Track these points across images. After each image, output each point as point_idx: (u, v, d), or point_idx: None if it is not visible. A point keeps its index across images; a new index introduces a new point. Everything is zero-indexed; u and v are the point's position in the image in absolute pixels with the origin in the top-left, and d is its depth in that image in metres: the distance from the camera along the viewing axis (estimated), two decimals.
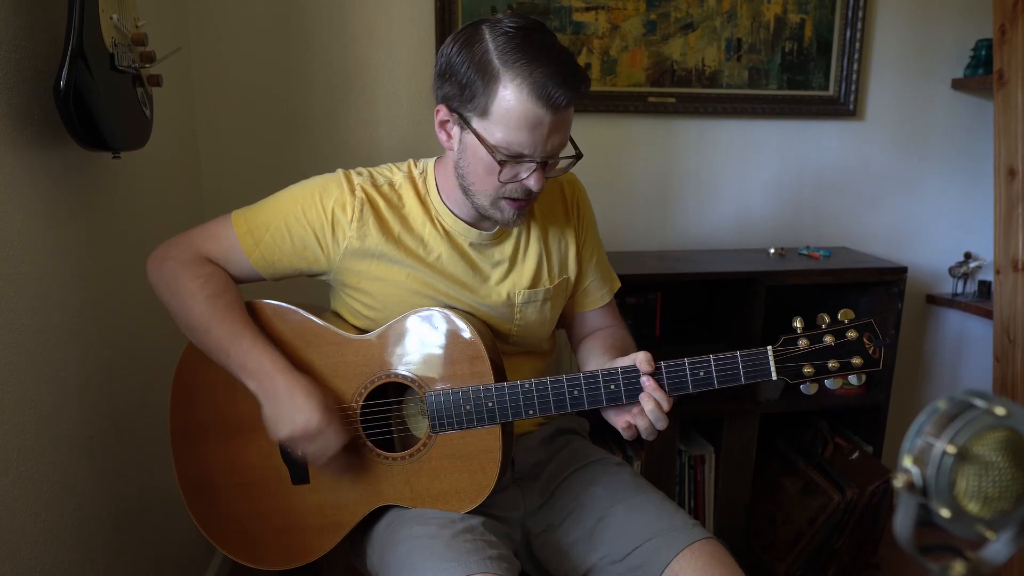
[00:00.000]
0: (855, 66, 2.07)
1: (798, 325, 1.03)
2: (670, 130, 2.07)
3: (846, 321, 1.02)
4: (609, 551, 1.10)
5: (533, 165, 1.01)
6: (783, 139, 2.12)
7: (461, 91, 0.99)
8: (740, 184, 2.13)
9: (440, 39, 1.88)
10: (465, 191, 1.08)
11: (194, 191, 1.85)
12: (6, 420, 1.01)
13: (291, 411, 1.04)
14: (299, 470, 1.13)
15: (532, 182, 1.02)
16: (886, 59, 2.11)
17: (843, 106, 2.10)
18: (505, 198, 1.05)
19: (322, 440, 1.05)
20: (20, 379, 1.04)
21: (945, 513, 0.52)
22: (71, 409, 1.18)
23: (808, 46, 2.06)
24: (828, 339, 1.02)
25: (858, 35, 2.04)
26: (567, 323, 1.31)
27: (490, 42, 0.97)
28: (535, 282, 1.17)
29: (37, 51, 1.08)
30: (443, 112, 1.04)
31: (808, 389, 1.03)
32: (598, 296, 1.27)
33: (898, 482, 0.53)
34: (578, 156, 1.07)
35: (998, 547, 0.52)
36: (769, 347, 1.02)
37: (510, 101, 0.96)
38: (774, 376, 1.02)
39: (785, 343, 1.02)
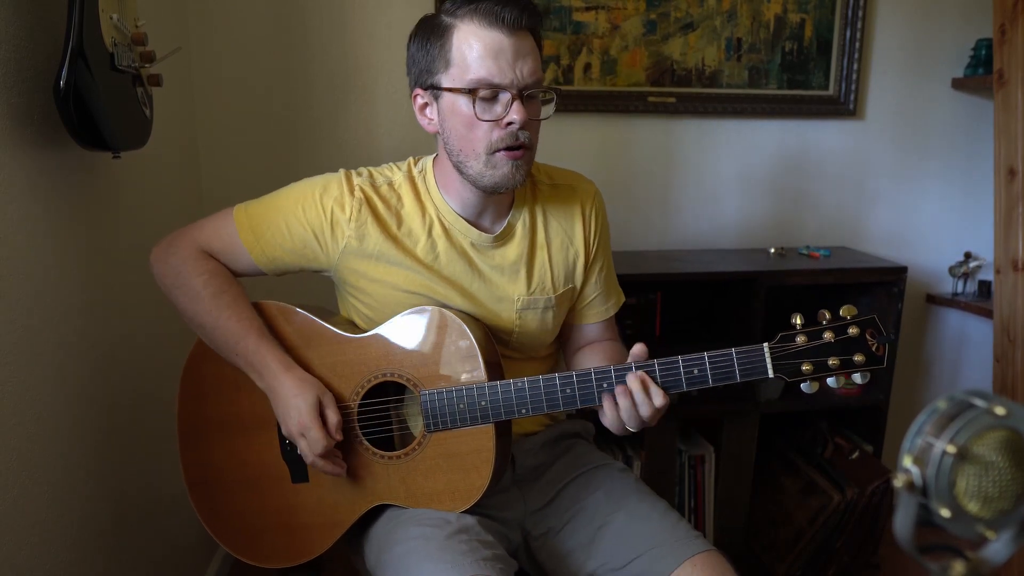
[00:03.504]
0: (855, 66, 2.07)
1: (797, 321, 1.00)
2: (670, 130, 2.07)
3: (848, 317, 0.98)
4: (610, 558, 1.10)
5: (508, 96, 1.00)
6: (783, 139, 2.12)
7: (423, 61, 1.04)
8: (740, 184, 2.13)
9: None
10: (459, 169, 1.07)
11: (194, 191, 1.85)
12: (6, 420, 1.01)
13: (286, 409, 1.06)
14: (299, 468, 1.14)
15: (514, 113, 1.00)
16: (886, 59, 2.11)
17: (843, 106, 2.10)
18: (497, 151, 1.03)
19: (305, 441, 1.06)
20: (20, 379, 1.04)
21: (945, 513, 0.52)
22: (71, 409, 1.18)
23: (808, 46, 2.06)
24: (828, 335, 0.98)
25: (858, 35, 2.04)
26: (563, 333, 1.29)
27: (439, 13, 1.04)
28: (537, 289, 1.17)
29: (37, 51, 1.08)
30: (419, 96, 1.08)
31: (809, 388, 0.99)
32: (601, 310, 1.26)
33: (898, 482, 0.53)
34: (556, 93, 1.07)
35: (998, 547, 0.52)
36: (765, 344, 1.00)
37: (466, 37, 1.00)
38: (771, 374, 0.99)
39: (782, 339, 0.99)
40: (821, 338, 0.98)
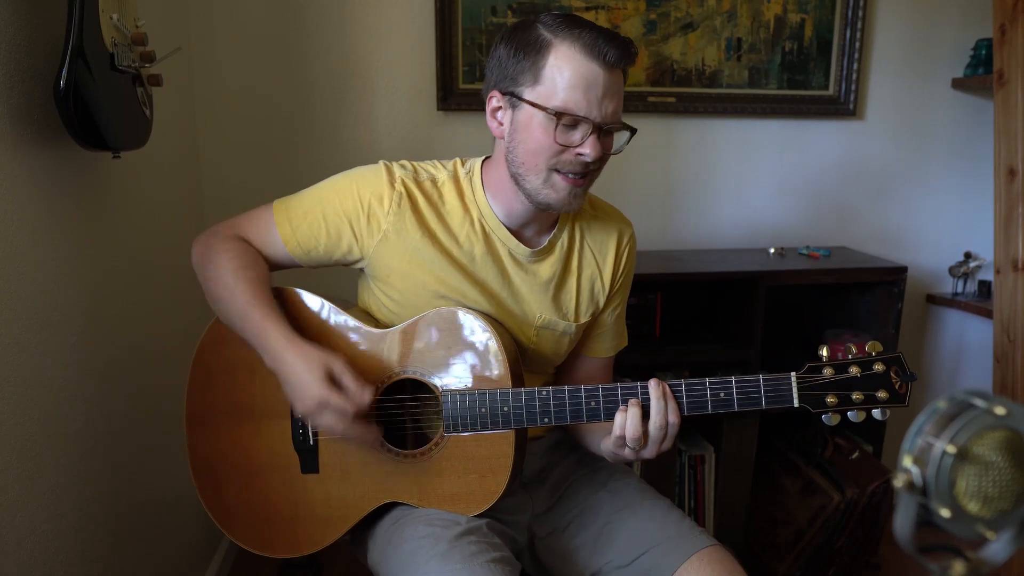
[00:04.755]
0: (855, 66, 2.07)
1: (824, 353, 1.00)
2: (670, 130, 2.07)
3: (874, 353, 0.99)
4: (615, 556, 1.10)
5: (588, 127, 1.00)
6: (783, 139, 2.12)
7: (512, 69, 1.02)
8: (740, 184, 2.13)
9: (440, 39, 1.88)
10: (517, 179, 1.06)
11: (194, 191, 1.85)
12: (6, 420, 1.01)
13: (294, 389, 1.02)
14: (309, 458, 1.13)
15: (588, 147, 1.00)
16: (886, 59, 2.11)
17: (843, 106, 2.10)
18: (559, 171, 1.02)
19: (329, 413, 1.00)
20: (20, 379, 1.04)
21: (945, 513, 0.52)
22: (72, 409, 1.18)
23: (808, 46, 2.06)
24: (854, 370, 0.99)
25: (858, 35, 2.04)
26: (563, 360, 1.27)
27: (538, 24, 1.01)
28: (559, 314, 1.16)
29: (37, 51, 1.08)
30: (495, 99, 1.06)
31: (830, 420, 1.00)
32: (605, 347, 1.26)
33: (898, 482, 0.53)
34: (632, 131, 1.06)
35: (998, 547, 0.52)
36: (793, 373, 1.00)
37: (563, 61, 0.98)
38: (796, 403, 1.00)
39: (810, 370, 1.00)
40: (847, 372, 0.99)
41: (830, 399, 0.99)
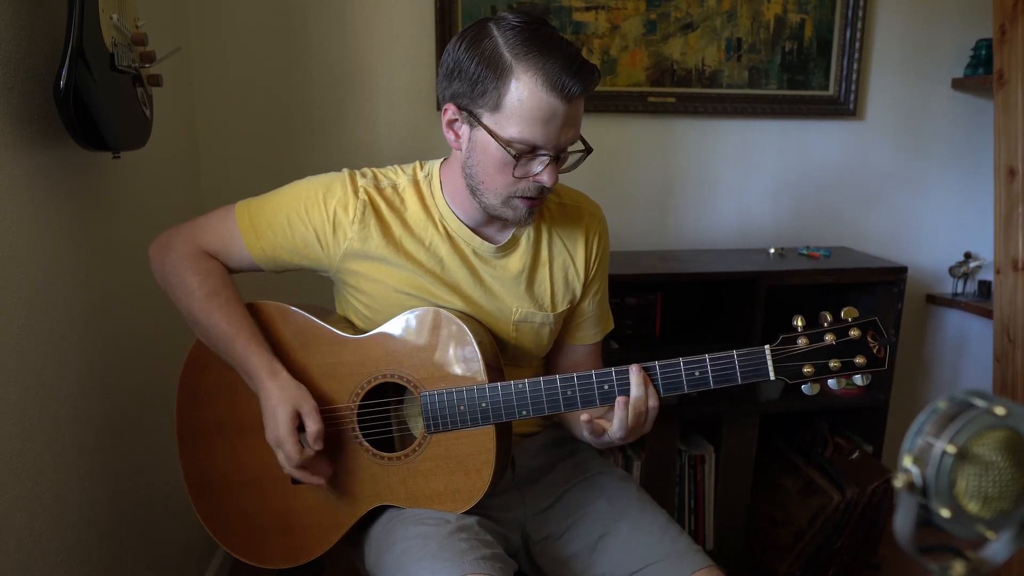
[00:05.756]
0: (855, 66, 2.07)
1: (798, 323, 1.00)
2: (670, 130, 2.07)
3: (849, 319, 0.99)
4: (611, 568, 1.10)
5: (547, 159, 1.00)
6: (783, 139, 2.12)
7: (471, 88, 0.98)
8: (740, 184, 2.13)
9: (440, 39, 1.88)
10: (473, 191, 1.06)
11: (194, 191, 1.85)
12: (6, 421, 1.01)
13: (267, 419, 1.07)
14: None
15: (545, 177, 1.00)
16: (886, 59, 2.11)
17: (843, 106, 2.10)
18: (518, 196, 1.03)
19: (281, 452, 1.06)
20: (19, 379, 1.04)
21: (945, 513, 0.52)
22: (71, 409, 1.18)
23: (808, 46, 2.06)
24: (829, 338, 0.98)
25: (858, 35, 2.04)
26: (551, 350, 1.27)
27: (498, 37, 0.97)
28: (535, 304, 1.16)
29: (37, 51, 1.08)
30: (451, 111, 1.03)
31: (810, 390, 1.00)
32: (590, 333, 1.25)
33: (898, 482, 0.53)
34: (588, 150, 1.06)
35: (998, 547, 0.52)
36: (767, 346, 1.00)
37: (524, 93, 0.95)
38: (772, 376, 0.99)
39: (784, 342, 1.00)
40: (822, 340, 0.99)
41: (807, 369, 0.99)
